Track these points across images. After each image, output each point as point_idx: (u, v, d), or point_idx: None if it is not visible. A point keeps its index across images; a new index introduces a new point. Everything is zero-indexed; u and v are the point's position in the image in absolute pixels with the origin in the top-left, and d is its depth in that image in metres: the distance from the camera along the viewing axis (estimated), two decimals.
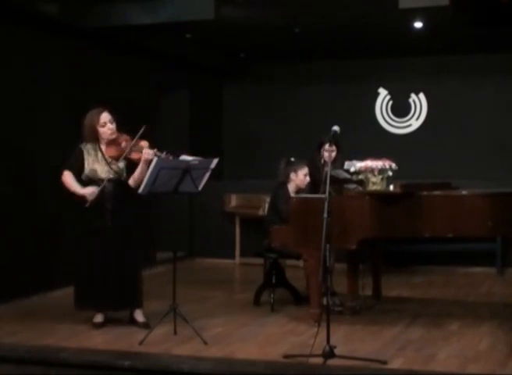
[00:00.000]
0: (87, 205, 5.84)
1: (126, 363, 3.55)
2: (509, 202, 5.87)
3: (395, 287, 7.81)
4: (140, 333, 5.58)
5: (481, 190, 6.34)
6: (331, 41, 9.15)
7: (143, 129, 5.77)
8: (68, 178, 5.95)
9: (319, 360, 4.82)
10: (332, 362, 4.80)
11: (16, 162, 7.14)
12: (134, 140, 5.84)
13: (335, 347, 4.88)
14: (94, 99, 7.85)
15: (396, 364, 4.91)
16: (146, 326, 5.83)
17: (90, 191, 5.86)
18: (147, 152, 5.76)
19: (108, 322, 6.00)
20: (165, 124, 9.49)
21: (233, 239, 9.77)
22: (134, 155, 5.87)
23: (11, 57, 7.06)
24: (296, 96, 10.61)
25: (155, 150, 5.77)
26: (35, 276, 7.17)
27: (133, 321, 6.01)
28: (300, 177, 6.79)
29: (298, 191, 6.78)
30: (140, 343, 5.39)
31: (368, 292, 6.98)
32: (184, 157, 5.77)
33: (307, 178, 6.81)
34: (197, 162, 5.66)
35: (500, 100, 9.80)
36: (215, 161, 5.71)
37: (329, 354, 4.82)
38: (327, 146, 6.73)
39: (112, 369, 3.52)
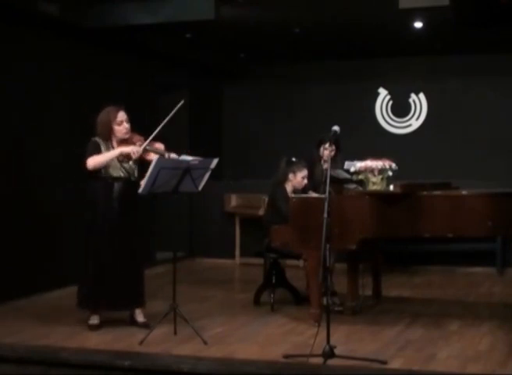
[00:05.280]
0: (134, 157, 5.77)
1: (126, 363, 3.54)
2: (509, 202, 5.87)
3: (395, 287, 7.80)
4: (140, 333, 5.58)
5: (481, 190, 6.34)
6: (331, 41, 9.15)
7: (157, 130, 5.75)
8: (95, 157, 5.77)
9: (319, 360, 4.81)
10: (332, 362, 4.79)
11: (17, 162, 7.13)
12: (148, 140, 5.81)
13: (335, 347, 4.88)
14: (93, 99, 7.85)
15: (396, 364, 4.91)
16: (146, 326, 5.83)
17: (134, 149, 5.75)
18: (167, 155, 5.75)
19: (107, 322, 5.99)
20: (165, 124, 9.46)
21: (233, 239, 9.76)
22: (149, 157, 5.82)
23: (11, 57, 7.06)
24: (296, 96, 10.61)
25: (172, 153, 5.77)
26: (34, 276, 7.17)
27: (133, 321, 6.01)
28: (298, 179, 6.77)
29: (294, 191, 6.77)
30: (140, 343, 5.39)
31: (368, 292, 6.98)
32: (184, 157, 5.77)
33: (305, 181, 6.80)
34: (197, 162, 5.65)
35: (500, 100, 9.79)
36: (215, 161, 5.70)
37: (329, 354, 4.82)
38: (326, 145, 6.69)
39: (111, 369, 3.51)
